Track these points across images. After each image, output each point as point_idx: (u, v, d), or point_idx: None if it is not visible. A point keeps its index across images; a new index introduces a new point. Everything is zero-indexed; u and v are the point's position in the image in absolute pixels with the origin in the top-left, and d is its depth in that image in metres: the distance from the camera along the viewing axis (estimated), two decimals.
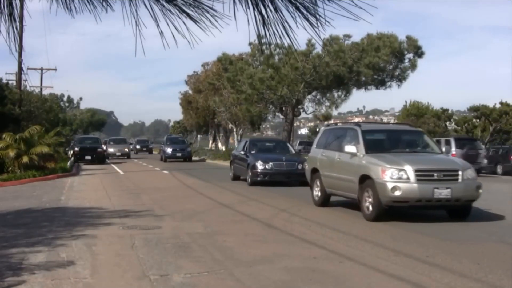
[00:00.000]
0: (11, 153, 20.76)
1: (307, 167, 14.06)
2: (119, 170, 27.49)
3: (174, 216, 11.04)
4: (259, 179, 18.17)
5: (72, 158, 32.15)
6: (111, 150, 42.23)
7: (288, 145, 22.34)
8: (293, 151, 21.37)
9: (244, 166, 19.33)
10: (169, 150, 37.96)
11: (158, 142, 73.19)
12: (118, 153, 42.12)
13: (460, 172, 10.42)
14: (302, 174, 15.75)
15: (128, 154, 42.82)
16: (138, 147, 62.34)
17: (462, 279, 6.20)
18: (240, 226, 9.90)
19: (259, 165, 18.27)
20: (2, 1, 2.19)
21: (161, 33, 2.15)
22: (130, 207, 12.50)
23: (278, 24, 2.09)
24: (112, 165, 32.53)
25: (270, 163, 18.32)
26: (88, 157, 33.55)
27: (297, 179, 17.82)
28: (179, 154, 38.02)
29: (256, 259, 7.16)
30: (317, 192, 13.01)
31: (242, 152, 20.26)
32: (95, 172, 25.37)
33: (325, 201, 12.79)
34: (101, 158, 34.04)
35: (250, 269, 6.57)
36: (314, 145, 13.89)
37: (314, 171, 13.28)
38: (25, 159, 20.87)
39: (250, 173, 18.46)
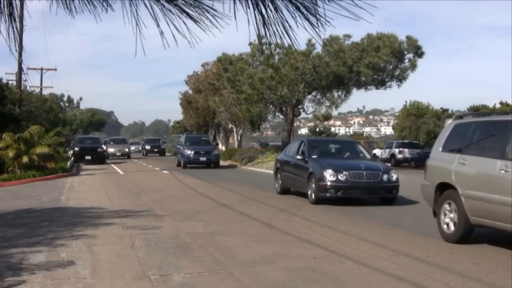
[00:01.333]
0: (11, 153, 20.75)
1: (426, 181, 9.51)
2: (119, 170, 27.50)
3: (174, 216, 11.04)
4: (328, 195, 13.01)
5: (72, 158, 32.15)
6: (111, 150, 42.22)
7: (360, 147, 16.51)
8: (368, 155, 15.73)
9: (303, 176, 14.09)
10: (190, 153, 29.53)
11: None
12: (118, 153, 42.10)
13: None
14: (389, 189, 13.23)
15: (128, 154, 42.79)
16: (147, 147, 52.59)
17: (462, 279, 6.19)
18: (240, 226, 9.90)
19: (329, 176, 13.03)
20: (2, 1, 2.19)
21: (161, 33, 2.15)
22: (130, 207, 12.50)
23: (278, 24, 2.09)
24: (112, 165, 32.54)
25: (345, 173, 13.11)
26: (88, 157, 33.56)
27: (382, 196, 13.47)
28: (203, 159, 29.49)
29: (256, 259, 7.16)
30: (448, 220, 8.51)
31: (299, 157, 14.68)
32: (95, 172, 25.37)
33: (467, 235, 8.31)
34: (101, 158, 34.05)
35: (250, 269, 6.57)
36: (439, 147, 9.38)
37: (444, 187, 8.75)
38: (25, 159, 20.88)
39: (314, 187, 13.26)
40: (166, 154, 53.78)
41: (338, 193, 13.05)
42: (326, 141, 19.35)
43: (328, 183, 13.01)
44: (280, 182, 15.79)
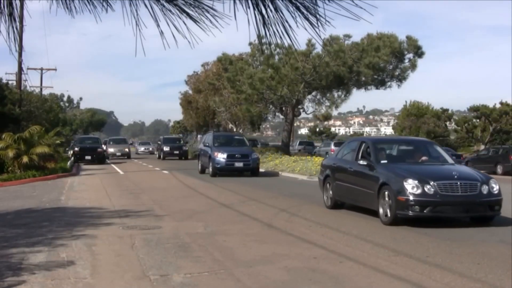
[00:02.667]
0: (11, 153, 20.76)
1: None
2: (119, 170, 27.49)
3: (174, 216, 11.04)
4: (410, 213, 9.79)
5: (72, 158, 32.15)
6: (111, 150, 42.16)
7: (437, 148, 12.67)
8: (450, 159, 11.90)
9: (369, 187, 10.80)
10: (222, 157, 22.47)
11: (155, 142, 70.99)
12: (118, 153, 42.01)
13: None
14: (490, 204, 10.07)
15: (128, 154, 42.72)
16: (166, 148, 41.37)
17: (462, 279, 6.19)
18: (240, 226, 9.90)
19: (411, 188, 9.83)
20: (2, 1, 2.19)
21: (161, 33, 2.15)
22: (130, 207, 12.50)
23: (278, 24, 2.09)
24: (112, 165, 32.54)
25: (433, 184, 9.88)
26: (88, 157, 33.56)
27: (481, 214, 10.28)
28: (239, 164, 22.68)
29: (256, 259, 7.16)
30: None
31: (362, 162, 11.19)
32: (95, 172, 25.37)
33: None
34: (101, 158, 34.05)
35: (250, 269, 6.57)
36: None
37: None
38: (25, 159, 20.88)
39: (389, 202, 10.06)
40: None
41: (425, 211, 9.75)
42: (394, 141, 14.33)
43: (411, 198, 9.73)
44: (331, 193, 12.38)
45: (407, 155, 12.10)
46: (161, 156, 41.96)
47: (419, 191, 9.79)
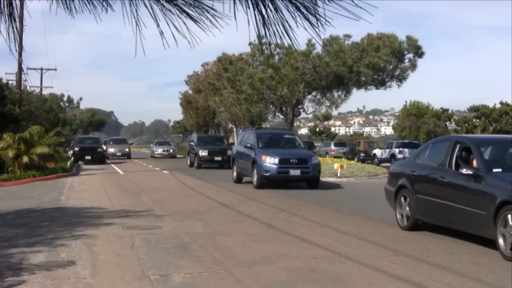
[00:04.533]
0: (11, 153, 20.76)
1: None
2: (119, 170, 27.49)
3: (174, 216, 11.03)
4: None
5: (72, 158, 32.16)
6: (111, 150, 42.08)
7: None
8: None
9: (477, 205, 7.86)
10: (272, 162, 17.05)
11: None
12: (118, 153, 41.79)
13: None
14: None
15: (128, 154, 42.62)
16: (203, 153, 29.09)
17: (462, 279, 6.20)
18: (240, 226, 9.90)
19: None
20: (2, 1, 2.19)
21: (161, 33, 2.15)
22: (130, 207, 12.50)
23: (278, 24, 2.09)
24: (112, 165, 32.53)
25: None
26: (88, 157, 33.57)
27: None
28: (295, 172, 17.06)
29: (256, 259, 7.15)
30: None
31: (467, 171, 8.26)
32: (95, 172, 25.37)
33: None
34: (101, 158, 34.06)
35: (250, 269, 6.57)
36: None
37: None
38: (25, 159, 20.88)
39: None
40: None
41: None
42: (505, 141, 9.71)
43: None
44: (408, 210, 9.51)
45: None
46: (196, 163, 29.17)
47: None
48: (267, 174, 16.99)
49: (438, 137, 13.21)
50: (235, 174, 19.63)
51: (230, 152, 27.24)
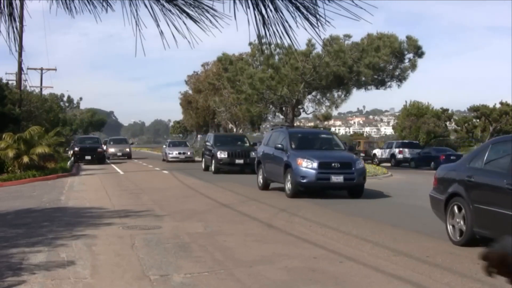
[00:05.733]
0: (11, 153, 20.77)
1: None
2: (119, 170, 27.50)
3: (174, 216, 11.04)
4: None
5: (72, 158, 32.16)
6: (111, 150, 41.95)
7: None
8: None
9: None
10: (311, 166, 14.62)
11: (158, 142, 65.26)
12: (119, 153, 41.38)
13: None
14: None
15: (129, 155, 42.39)
16: (222, 156, 25.41)
17: (462, 279, 6.20)
18: (240, 226, 9.90)
19: None
20: (2, 1, 2.19)
21: (161, 33, 2.15)
22: (130, 207, 12.50)
23: (278, 24, 2.09)
24: (112, 165, 32.54)
25: None
26: (88, 157, 33.58)
27: None
28: (338, 179, 14.58)
29: (256, 259, 7.16)
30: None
31: None
32: (95, 172, 25.37)
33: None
34: (101, 158, 34.06)
35: (250, 269, 6.57)
36: None
37: None
38: (25, 159, 20.88)
39: None
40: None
41: None
42: None
43: None
44: (462, 223, 8.26)
45: None
46: (213, 167, 25.57)
47: None
48: (304, 180, 14.41)
49: (499, 137, 11.27)
50: (261, 179, 17.08)
51: (253, 153, 24.02)
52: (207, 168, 26.75)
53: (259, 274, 6.33)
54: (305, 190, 14.69)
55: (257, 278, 6.14)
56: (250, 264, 6.82)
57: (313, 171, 14.42)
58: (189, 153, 37.75)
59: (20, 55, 28.26)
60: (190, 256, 7.24)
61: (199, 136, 77.77)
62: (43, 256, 7.12)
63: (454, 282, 6.08)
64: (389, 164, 36.58)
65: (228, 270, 6.50)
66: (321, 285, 5.92)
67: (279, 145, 15.90)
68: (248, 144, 27.85)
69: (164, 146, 41.96)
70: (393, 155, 37.68)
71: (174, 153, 37.73)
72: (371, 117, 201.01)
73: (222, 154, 25.19)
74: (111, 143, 44.53)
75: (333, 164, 14.59)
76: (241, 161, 25.16)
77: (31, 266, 6.52)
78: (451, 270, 6.61)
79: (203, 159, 28.14)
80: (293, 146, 15.60)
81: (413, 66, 33.39)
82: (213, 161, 25.45)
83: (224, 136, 31.84)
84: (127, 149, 42.87)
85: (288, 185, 14.84)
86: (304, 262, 6.96)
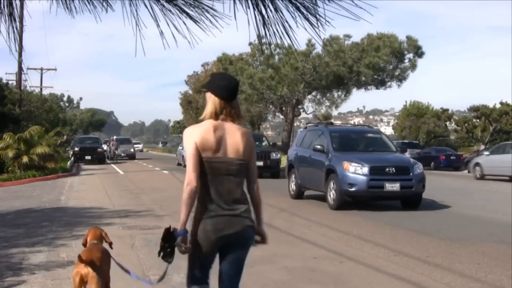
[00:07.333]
0: (11, 153, 20.77)
1: None
2: (119, 170, 27.49)
3: (174, 216, 11.02)
4: None
5: (72, 158, 32.14)
6: (120, 149, 40.71)
7: None
8: None
9: None
10: (358, 173, 12.27)
11: (157, 142, 62.82)
12: (123, 154, 39.96)
13: None
14: None
15: (133, 155, 41.40)
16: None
17: (462, 279, 6.19)
18: None
19: None
20: (2, 1, 2.19)
21: (161, 33, 2.15)
22: (130, 207, 12.49)
23: (278, 24, 2.09)
24: (112, 165, 32.52)
25: None
26: (88, 157, 33.57)
27: None
28: (393, 186, 12.16)
29: (256, 259, 7.14)
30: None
31: None
32: (95, 172, 25.36)
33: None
34: (101, 158, 34.04)
35: (250, 269, 6.55)
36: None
37: None
38: (25, 159, 20.88)
39: None
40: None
41: None
42: None
43: None
44: None
45: None
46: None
47: None
48: (353, 189, 12.14)
49: None
50: (293, 186, 14.77)
51: (274, 155, 22.67)
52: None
53: (259, 274, 6.32)
54: (353, 200, 12.53)
55: (257, 278, 6.14)
56: (250, 264, 6.79)
57: (364, 178, 12.11)
58: None
59: (20, 55, 28.24)
60: None
61: None
62: (43, 256, 7.11)
63: (454, 282, 6.08)
64: None
65: None
66: (321, 285, 5.91)
67: (318, 146, 13.51)
68: (267, 144, 25.35)
69: (181, 148, 31.33)
70: None
71: None
72: (371, 117, 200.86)
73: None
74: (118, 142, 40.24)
75: (387, 169, 12.33)
76: (261, 163, 21.77)
77: (31, 266, 6.51)
78: (451, 270, 6.60)
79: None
80: (334, 145, 13.36)
81: (413, 66, 33.42)
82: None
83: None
84: (132, 149, 41.95)
85: (331, 195, 12.49)
86: (304, 262, 6.96)
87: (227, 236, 3.36)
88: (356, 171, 12.17)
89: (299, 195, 14.49)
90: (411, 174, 12.31)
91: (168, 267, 3.63)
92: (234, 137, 3.29)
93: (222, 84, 3.27)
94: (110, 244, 4.69)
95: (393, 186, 12.07)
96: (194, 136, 3.33)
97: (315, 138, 14.26)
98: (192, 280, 3.57)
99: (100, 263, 4.20)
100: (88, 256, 4.14)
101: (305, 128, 16.42)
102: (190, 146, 3.36)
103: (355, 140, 14.17)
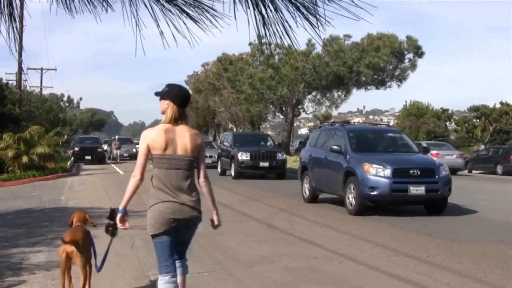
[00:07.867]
0: (11, 153, 20.77)
1: None
2: (119, 170, 27.48)
3: None
4: None
5: (72, 158, 32.14)
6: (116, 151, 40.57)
7: None
8: None
9: None
10: (379, 174, 11.37)
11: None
12: (125, 154, 39.02)
13: None
14: None
15: (135, 155, 40.97)
16: (244, 158, 21.79)
17: (462, 279, 6.19)
18: (240, 226, 9.89)
19: None
20: (2, 1, 2.19)
21: (161, 33, 2.15)
22: (130, 207, 12.42)
23: (278, 24, 2.09)
24: (112, 165, 32.52)
25: None
26: (88, 157, 33.56)
27: None
28: (417, 190, 11.32)
29: (256, 259, 7.15)
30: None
31: None
32: (95, 172, 25.36)
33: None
34: (101, 158, 34.02)
35: (250, 269, 6.56)
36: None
37: None
38: (25, 159, 20.87)
39: None
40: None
41: None
42: None
43: None
44: None
45: None
46: (232, 171, 22.18)
47: None
48: (375, 192, 11.23)
49: None
50: (307, 189, 13.88)
51: (280, 155, 21.87)
52: (224, 172, 23.58)
53: (259, 274, 6.33)
54: (375, 205, 11.64)
55: (257, 278, 6.14)
56: (250, 264, 6.81)
57: (386, 181, 11.21)
58: (214, 156, 27.49)
59: (20, 55, 28.24)
60: (190, 256, 7.20)
61: None
62: (43, 256, 7.11)
63: (454, 282, 6.08)
64: None
65: (228, 270, 6.50)
66: (321, 285, 5.91)
67: (336, 147, 12.50)
68: (272, 144, 24.60)
69: None
70: None
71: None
72: (371, 117, 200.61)
73: (244, 156, 21.51)
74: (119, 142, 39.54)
75: (411, 171, 11.42)
76: (266, 164, 21.49)
77: (31, 266, 6.51)
78: (451, 270, 6.60)
79: (219, 162, 24.39)
80: (353, 146, 12.45)
81: (413, 66, 33.40)
82: (233, 164, 21.89)
83: (244, 135, 28.22)
84: (134, 150, 41.35)
85: (351, 199, 11.60)
86: (304, 262, 6.96)
87: (177, 220, 4.16)
88: (377, 173, 11.29)
89: (313, 198, 13.61)
90: (436, 176, 11.48)
91: (110, 246, 4.96)
92: (184, 137, 4.04)
93: (179, 95, 4.16)
94: (94, 225, 5.57)
95: (418, 190, 11.20)
96: (147, 138, 4.09)
97: (330, 138, 13.45)
98: (162, 268, 4.37)
99: (82, 242, 4.98)
100: (72, 237, 4.93)
101: (319, 127, 15.45)
102: (142, 146, 4.12)
103: (374, 140, 13.37)
